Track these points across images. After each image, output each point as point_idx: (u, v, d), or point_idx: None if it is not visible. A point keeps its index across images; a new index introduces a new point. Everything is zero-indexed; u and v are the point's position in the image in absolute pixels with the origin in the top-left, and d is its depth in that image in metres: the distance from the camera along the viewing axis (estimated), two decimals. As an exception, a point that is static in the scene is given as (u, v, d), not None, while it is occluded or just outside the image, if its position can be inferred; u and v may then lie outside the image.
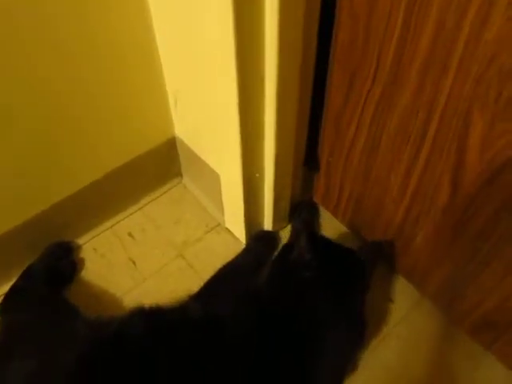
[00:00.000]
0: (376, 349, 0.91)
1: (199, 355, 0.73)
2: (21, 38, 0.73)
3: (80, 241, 1.06)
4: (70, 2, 0.74)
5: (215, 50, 0.70)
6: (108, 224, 1.09)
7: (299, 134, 0.91)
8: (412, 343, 0.92)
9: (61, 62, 0.80)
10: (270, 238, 1.06)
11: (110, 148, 0.99)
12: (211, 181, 1.02)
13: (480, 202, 0.71)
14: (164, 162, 1.12)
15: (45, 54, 0.77)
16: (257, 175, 0.90)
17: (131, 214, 1.11)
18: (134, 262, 1.03)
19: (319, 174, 1.03)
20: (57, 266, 0.99)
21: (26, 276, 0.94)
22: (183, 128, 1.05)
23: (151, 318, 0.80)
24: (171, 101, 1.00)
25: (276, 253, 0.93)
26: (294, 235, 1.02)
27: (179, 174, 1.18)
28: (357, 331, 0.82)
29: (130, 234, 1.08)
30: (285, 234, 1.08)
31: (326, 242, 0.87)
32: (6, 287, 0.93)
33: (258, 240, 1.04)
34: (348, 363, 0.84)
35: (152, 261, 1.04)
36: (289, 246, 0.87)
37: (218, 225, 1.10)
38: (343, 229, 1.09)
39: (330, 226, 1.09)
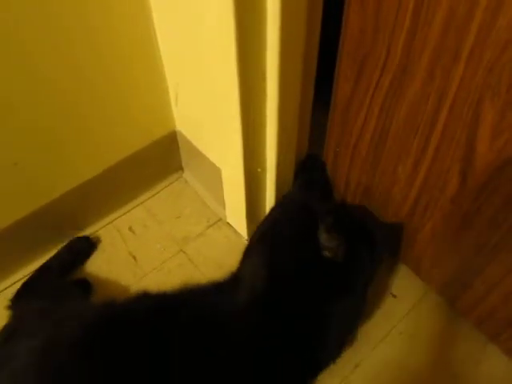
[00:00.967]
0: (379, 345, 0.90)
1: (207, 332, 0.73)
2: (23, 35, 0.72)
3: (81, 235, 1.04)
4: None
5: (216, 44, 0.69)
6: (109, 218, 1.08)
7: (301, 129, 0.90)
8: (415, 339, 0.91)
9: (62, 58, 0.79)
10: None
11: (110, 142, 0.98)
12: (212, 175, 1.00)
13: (489, 193, 0.69)
14: (165, 157, 1.11)
15: (46, 50, 0.76)
16: (259, 170, 0.89)
17: (132, 209, 1.10)
18: (134, 257, 1.02)
19: (326, 165, 1.02)
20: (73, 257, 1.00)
21: (42, 270, 0.94)
22: (184, 122, 1.03)
23: (157, 298, 0.80)
24: (172, 95, 0.98)
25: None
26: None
27: (180, 169, 1.16)
28: (359, 306, 0.84)
29: (130, 229, 1.06)
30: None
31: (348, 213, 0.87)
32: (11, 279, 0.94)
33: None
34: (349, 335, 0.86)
35: (153, 256, 1.02)
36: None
37: (220, 220, 1.08)
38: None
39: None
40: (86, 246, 1.02)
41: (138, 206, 1.10)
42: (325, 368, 0.81)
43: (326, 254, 0.77)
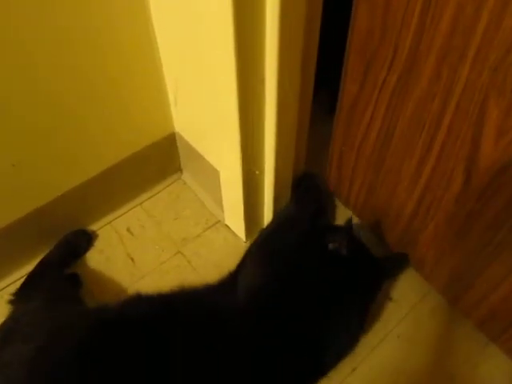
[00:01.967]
0: (376, 348, 0.89)
1: (207, 330, 0.73)
2: (22, 35, 0.71)
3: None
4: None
5: (215, 46, 0.68)
6: (107, 219, 1.06)
7: (300, 132, 0.89)
8: (412, 343, 0.90)
9: (61, 59, 0.77)
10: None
11: (109, 143, 0.97)
12: (211, 177, 0.99)
13: (492, 192, 0.69)
14: (164, 158, 1.10)
15: (45, 50, 0.75)
16: (257, 172, 0.88)
17: (130, 210, 1.08)
18: (132, 259, 1.00)
19: (331, 163, 1.02)
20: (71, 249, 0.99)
21: (41, 266, 0.93)
22: (183, 124, 1.02)
23: (152, 300, 0.80)
24: (171, 97, 0.97)
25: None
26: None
27: (179, 170, 1.15)
28: (357, 320, 0.84)
29: (128, 230, 1.05)
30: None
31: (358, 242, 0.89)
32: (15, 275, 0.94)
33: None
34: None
35: (150, 257, 1.00)
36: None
37: (218, 221, 1.07)
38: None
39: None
40: (84, 239, 1.00)
41: (136, 207, 1.09)
42: (325, 372, 0.80)
43: (331, 246, 0.81)
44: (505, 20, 0.54)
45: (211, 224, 1.06)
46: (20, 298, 0.87)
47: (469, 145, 0.68)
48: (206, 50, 0.73)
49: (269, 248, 0.88)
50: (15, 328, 0.77)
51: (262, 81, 0.71)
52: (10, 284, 0.94)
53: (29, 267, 0.94)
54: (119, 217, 1.07)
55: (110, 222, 1.06)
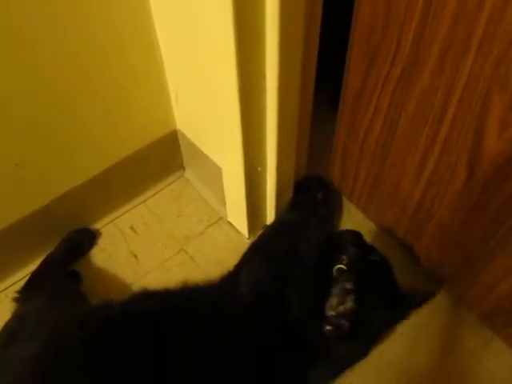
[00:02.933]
0: (379, 346, 0.87)
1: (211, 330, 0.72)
2: (24, 35, 0.71)
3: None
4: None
5: (216, 43, 0.67)
6: (110, 217, 1.05)
7: (302, 128, 0.88)
8: (415, 337, 0.89)
9: (63, 57, 0.77)
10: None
11: (111, 142, 0.96)
12: (213, 174, 0.98)
13: (495, 185, 0.69)
14: (166, 156, 1.09)
15: (47, 50, 0.74)
16: (259, 169, 0.87)
17: (133, 208, 1.08)
18: (135, 256, 1.00)
19: (335, 158, 1.02)
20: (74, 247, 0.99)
21: (45, 264, 0.93)
22: (185, 121, 1.01)
23: (155, 297, 0.79)
24: (172, 94, 0.96)
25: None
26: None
27: (181, 168, 1.14)
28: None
29: (131, 228, 1.04)
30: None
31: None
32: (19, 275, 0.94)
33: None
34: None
35: (153, 255, 1.00)
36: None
37: (221, 218, 1.06)
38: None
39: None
40: (87, 237, 1.00)
41: (139, 204, 1.08)
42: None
43: (327, 328, 0.66)
44: (507, 13, 0.53)
45: (214, 221, 1.06)
46: (24, 296, 0.86)
47: (472, 138, 0.68)
48: (207, 47, 0.72)
49: (270, 249, 0.87)
50: (20, 327, 0.77)
51: (262, 77, 0.70)
52: (15, 283, 0.94)
53: (32, 266, 0.93)
54: (122, 215, 1.06)
55: (113, 220, 1.05)
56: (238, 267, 0.85)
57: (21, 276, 0.95)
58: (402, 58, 0.70)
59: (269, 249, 0.87)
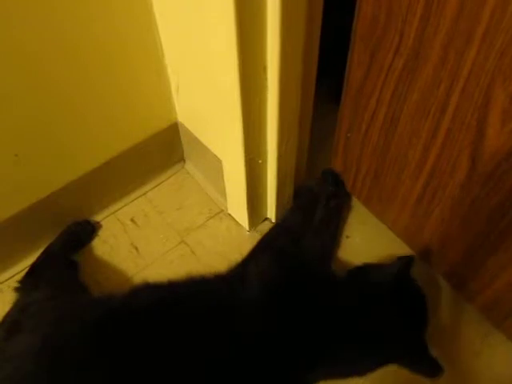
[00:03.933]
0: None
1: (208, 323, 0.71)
2: (24, 27, 0.70)
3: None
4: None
5: (217, 35, 0.66)
6: (111, 210, 1.05)
7: (303, 120, 0.87)
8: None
9: (63, 50, 0.76)
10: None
11: (112, 134, 0.95)
12: (214, 166, 0.98)
13: (497, 178, 0.68)
14: (167, 148, 1.08)
15: (46, 41, 0.74)
16: (259, 161, 0.86)
17: (134, 200, 1.07)
18: (136, 248, 0.99)
19: (337, 150, 1.01)
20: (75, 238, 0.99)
21: (45, 255, 0.93)
22: (185, 114, 1.01)
23: (157, 289, 0.79)
24: (173, 87, 0.96)
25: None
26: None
27: (182, 160, 1.14)
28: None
29: (132, 220, 1.04)
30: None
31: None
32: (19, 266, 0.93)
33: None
34: None
35: (154, 247, 1.00)
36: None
37: (221, 211, 1.05)
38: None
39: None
40: (87, 229, 1.00)
41: (139, 197, 1.07)
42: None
43: None
44: (511, 3, 0.52)
45: (214, 213, 1.05)
46: (25, 286, 0.86)
47: (474, 131, 0.67)
48: (208, 39, 0.71)
49: (278, 244, 0.86)
50: (21, 318, 0.76)
51: (264, 69, 0.69)
52: (16, 274, 0.94)
53: (33, 258, 0.93)
54: (123, 207, 1.06)
55: (114, 212, 1.05)
56: (246, 261, 0.85)
57: (21, 267, 0.95)
58: (406, 50, 0.69)
59: (276, 244, 0.86)
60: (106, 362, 0.67)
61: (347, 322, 0.72)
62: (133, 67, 0.88)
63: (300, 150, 0.94)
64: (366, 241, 1.00)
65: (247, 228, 1.01)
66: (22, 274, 0.91)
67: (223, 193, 1.01)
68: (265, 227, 1.03)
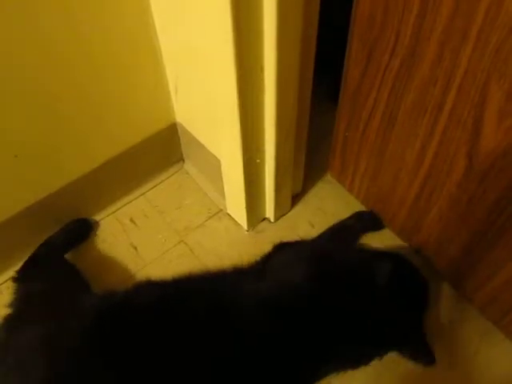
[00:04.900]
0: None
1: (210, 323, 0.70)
2: (17, 30, 0.70)
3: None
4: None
5: (213, 36, 0.67)
6: (110, 209, 1.05)
7: (300, 119, 0.87)
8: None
9: (61, 52, 0.77)
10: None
11: (112, 135, 0.96)
12: (212, 166, 0.98)
13: (494, 176, 0.68)
14: (166, 148, 1.08)
15: (44, 46, 0.74)
16: (257, 161, 0.87)
17: (133, 200, 1.07)
18: (135, 248, 0.99)
19: (335, 149, 1.01)
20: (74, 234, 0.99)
21: (44, 247, 0.93)
22: (184, 114, 1.01)
23: (158, 287, 0.79)
24: (172, 87, 0.96)
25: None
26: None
27: (181, 160, 1.14)
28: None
29: (131, 220, 1.04)
30: (286, 223, 1.04)
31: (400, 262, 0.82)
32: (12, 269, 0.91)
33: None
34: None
35: (153, 246, 1.00)
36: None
37: (220, 211, 1.06)
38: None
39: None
40: (85, 226, 1.00)
41: (139, 197, 1.08)
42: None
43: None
44: (506, 1, 0.52)
45: (213, 213, 1.05)
46: (25, 277, 0.86)
47: (470, 129, 0.67)
48: (205, 40, 0.71)
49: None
50: (23, 312, 0.77)
51: (261, 69, 0.69)
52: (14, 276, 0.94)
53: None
54: (122, 207, 1.06)
55: (114, 212, 1.05)
56: (265, 259, 0.83)
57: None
58: (402, 49, 0.70)
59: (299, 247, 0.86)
60: (107, 358, 0.67)
61: (353, 320, 0.72)
62: (132, 68, 0.88)
63: (298, 149, 0.94)
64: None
65: (246, 228, 1.01)
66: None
67: (222, 192, 1.01)
68: (263, 227, 1.03)
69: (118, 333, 0.69)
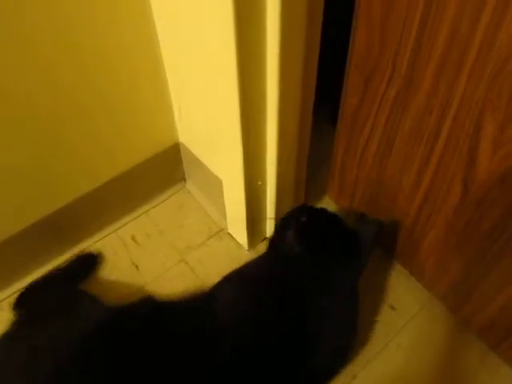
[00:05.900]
0: (377, 356, 0.87)
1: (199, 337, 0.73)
2: (34, 46, 0.72)
3: (84, 244, 1.03)
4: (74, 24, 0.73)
5: (218, 61, 0.68)
6: (112, 228, 1.06)
7: (301, 143, 0.88)
8: (413, 351, 0.89)
9: (75, 74, 0.79)
10: None
11: (114, 154, 0.97)
12: (214, 186, 0.99)
13: (489, 203, 0.69)
14: (168, 168, 1.09)
15: (58, 63, 0.76)
16: (259, 183, 0.88)
17: (135, 218, 1.08)
18: (136, 266, 1.00)
19: (333, 173, 1.03)
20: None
21: (47, 277, 0.93)
22: (187, 134, 1.02)
23: (157, 304, 0.81)
24: (175, 108, 0.97)
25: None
26: None
27: (183, 179, 1.15)
28: (351, 301, 0.81)
29: (133, 238, 1.05)
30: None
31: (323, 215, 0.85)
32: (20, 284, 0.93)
33: None
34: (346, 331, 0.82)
35: (155, 265, 1.00)
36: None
37: (221, 230, 1.07)
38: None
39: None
40: (91, 262, 1.00)
41: (141, 215, 1.08)
42: (323, 373, 0.79)
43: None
44: (499, 35, 0.54)
45: (214, 232, 1.06)
46: (21, 304, 0.87)
47: (466, 157, 0.68)
48: (209, 63, 0.73)
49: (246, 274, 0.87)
50: (27, 318, 0.79)
51: (263, 93, 0.71)
52: (16, 291, 0.94)
53: (34, 276, 0.94)
54: (124, 225, 1.06)
55: (115, 230, 1.06)
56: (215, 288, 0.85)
57: (22, 285, 0.94)
58: (398, 79, 0.71)
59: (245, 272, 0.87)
60: (105, 367, 0.68)
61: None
62: (136, 90, 0.89)
63: (299, 171, 0.94)
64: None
65: (247, 247, 1.02)
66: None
67: (223, 212, 1.02)
68: (264, 247, 1.04)
69: (117, 343, 0.70)
